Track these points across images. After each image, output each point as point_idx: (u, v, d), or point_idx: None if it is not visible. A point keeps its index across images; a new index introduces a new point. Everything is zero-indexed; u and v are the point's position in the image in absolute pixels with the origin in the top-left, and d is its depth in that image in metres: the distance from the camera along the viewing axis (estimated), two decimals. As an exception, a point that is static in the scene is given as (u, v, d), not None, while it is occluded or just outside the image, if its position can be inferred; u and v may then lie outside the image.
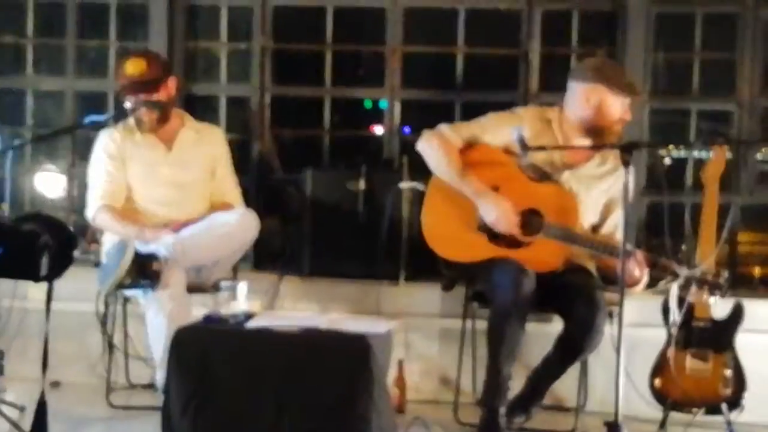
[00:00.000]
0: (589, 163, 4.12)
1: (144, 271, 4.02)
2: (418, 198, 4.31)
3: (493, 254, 4.02)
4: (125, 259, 3.95)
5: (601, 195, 4.15)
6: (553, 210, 4.00)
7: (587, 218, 4.10)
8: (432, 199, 4.20)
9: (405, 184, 4.60)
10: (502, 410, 3.97)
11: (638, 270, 3.81)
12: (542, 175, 4.10)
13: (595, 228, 4.18)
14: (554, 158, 4.11)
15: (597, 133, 4.08)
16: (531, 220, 4.02)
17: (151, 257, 4.04)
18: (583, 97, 4.07)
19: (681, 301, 4.01)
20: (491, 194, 4.02)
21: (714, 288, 3.87)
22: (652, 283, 3.86)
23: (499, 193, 4.05)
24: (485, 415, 3.99)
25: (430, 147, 4.15)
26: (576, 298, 3.91)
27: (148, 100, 4.35)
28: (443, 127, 4.18)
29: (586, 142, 4.12)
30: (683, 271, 3.79)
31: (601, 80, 4.04)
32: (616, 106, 4.05)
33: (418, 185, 4.42)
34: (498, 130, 4.15)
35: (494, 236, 4.05)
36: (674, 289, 3.83)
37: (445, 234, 4.15)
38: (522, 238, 4.02)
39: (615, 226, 4.15)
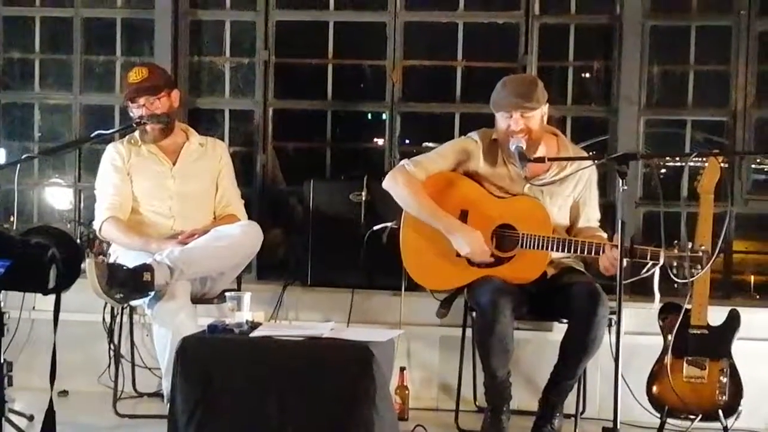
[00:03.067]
0: (547, 173, 4.17)
1: (136, 283, 4.03)
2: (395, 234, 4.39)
3: (476, 276, 4.10)
4: (88, 275, 3.92)
5: (566, 199, 4.21)
6: (525, 221, 4.07)
7: (558, 223, 4.16)
8: (407, 237, 4.28)
9: (378, 227, 4.63)
10: (506, 408, 4.04)
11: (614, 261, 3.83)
12: (505, 192, 4.18)
13: (570, 228, 4.25)
14: (512, 174, 4.18)
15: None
16: (506, 236, 4.10)
17: (141, 269, 4.04)
18: None
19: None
20: (461, 228, 4.10)
21: (695, 261, 3.76)
22: (635, 272, 3.85)
23: (469, 216, 4.14)
24: (488, 413, 4.06)
25: (396, 185, 4.23)
26: (576, 292, 3.96)
27: (161, 114, 4.42)
28: (406, 164, 4.26)
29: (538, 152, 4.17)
30: (662, 254, 3.78)
31: (491, 103, 4.16)
32: (500, 122, 4.13)
33: (393, 224, 4.47)
34: (455, 156, 4.26)
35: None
36: (657, 273, 3.78)
37: (427, 268, 4.25)
38: (502, 255, 4.10)
39: (588, 219, 4.23)
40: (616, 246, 3.84)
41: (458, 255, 4.13)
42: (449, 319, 4.43)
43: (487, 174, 4.21)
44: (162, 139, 4.54)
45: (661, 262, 3.77)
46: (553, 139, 4.27)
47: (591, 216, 4.26)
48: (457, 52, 5.37)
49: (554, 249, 4.00)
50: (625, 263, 3.74)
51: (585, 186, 4.23)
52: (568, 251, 4.00)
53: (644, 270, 3.80)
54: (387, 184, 4.28)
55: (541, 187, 4.15)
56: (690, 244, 3.79)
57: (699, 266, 3.77)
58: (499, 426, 4.04)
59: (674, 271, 3.78)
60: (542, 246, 4.00)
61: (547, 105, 4.18)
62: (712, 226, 4.15)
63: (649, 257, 3.79)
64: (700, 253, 3.77)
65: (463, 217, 4.16)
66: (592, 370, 4.42)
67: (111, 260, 4.46)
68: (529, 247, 4.02)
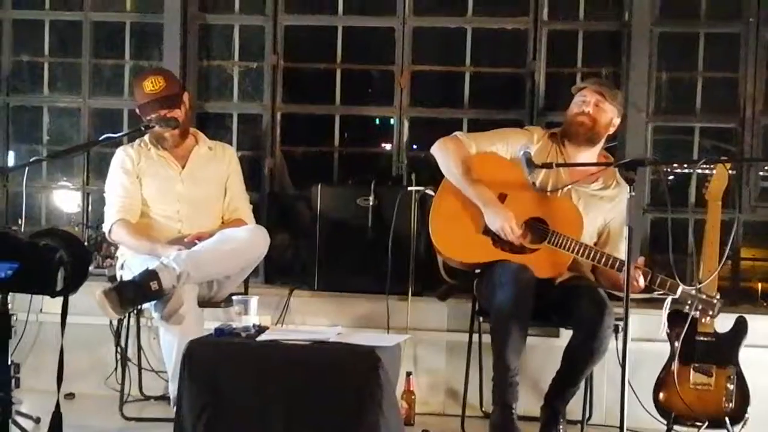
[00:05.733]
0: (592, 184, 4.19)
1: (145, 294, 4.05)
2: (427, 207, 4.40)
3: (496, 257, 4.09)
4: (101, 309, 3.95)
5: (598, 217, 4.21)
6: (558, 220, 4.07)
7: (584, 235, 4.14)
8: (440, 200, 4.29)
9: (413, 188, 4.65)
10: (515, 406, 3.99)
11: (637, 281, 3.88)
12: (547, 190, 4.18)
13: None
14: (560, 173, 4.19)
15: (576, 132, 4.20)
16: (536, 229, 4.10)
17: (147, 279, 4.04)
18: None
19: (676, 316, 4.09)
20: (497, 204, 4.11)
21: (707, 306, 3.92)
22: (647, 290, 3.94)
23: (507, 200, 4.13)
24: (498, 411, 4.00)
25: (444, 150, 4.26)
26: (582, 301, 3.95)
27: (170, 118, 4.41)
28: (459, 134, 4.31)
29: (588, 156, 4.22)
30: (680, 289, 3.86)
31: (573, 88, 4.32)
32: (573, 104, 4.25)
33: (427, 190, 4.49)
34: (510, 142, 4.27)
35: (498, 240, 4.12)
36: (668, 303, 3.89)
37: (450, 234, 4.23)
38: (527, 245, 4.09)
39: (618, 250, 4.17)
40: (639, 268, 3.87)
41: (485, 233, 4.13)
42: (457, 324, 4.43)
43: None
44: (181, 144, 4.56)
45: (677, 296, 3.87)
46: (603, 161, 4.31)
47: (620, 248, 4.16)
48: (466, 58, 5.38)
49: (579, 254, 4.01)
50: (642, 284, 3.83)
51: (619, 214, 4.19)
52: (591, 259, 4.02)
53: (656, 293, 3.91)
54: (436, 147, 4.31)
55: (579, 194, 4.18)
56: (700, 287, 3.93)
57: (711, 314, 3.94)
58: (511, 426, 3.99)
59: (686, 308, 3.95)
60: (568, 247, 4.01)
61: (619, 119, 4.30)
62: (719, 233, 4.14)
63: (667, 288, 3.88)
64: (715, 301, 3.91)
65: (501, 200, 4.15)
66: (598, 376, 4.42)
67: (119, 263, 4.49)
68: (555, 246, 4.03)
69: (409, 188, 4.72)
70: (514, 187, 4.17)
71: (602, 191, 4.23)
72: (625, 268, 3.83)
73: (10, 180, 5.54)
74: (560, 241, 4.02)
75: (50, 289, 3.18)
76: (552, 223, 4.08)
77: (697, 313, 3.98)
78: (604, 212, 4.23)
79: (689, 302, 3.91)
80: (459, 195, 4.20)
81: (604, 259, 4.00)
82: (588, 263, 4.13)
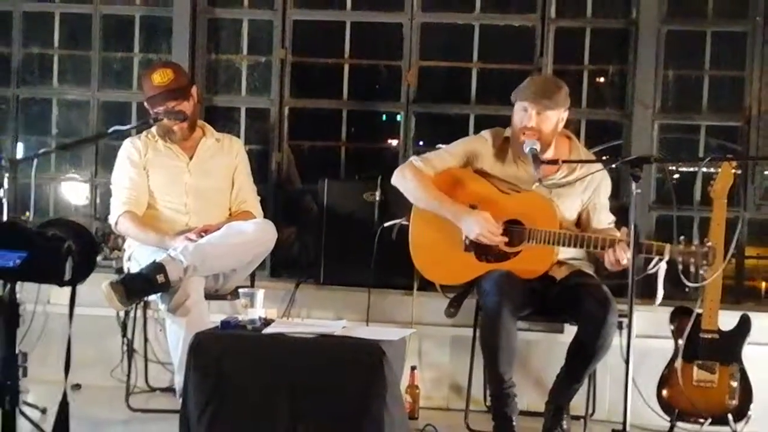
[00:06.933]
0: (556, 173, 4.17)
1: (152, 287, 4.08)
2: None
3: (483, 271, 4.09)
4: (107, 302, 4.01)
5: (575, 202, 4.20)
6: (533, 216, 4.07)
7: (562, 222, 4.13)
8: (416, 229, 4.30)
9: (389, 223, 4.65)
10: (515, 417, 4.00)
11: (623, 255, 3.84)
12: (513, 189, 4.18)
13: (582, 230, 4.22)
14: (520, 173, 4.18)
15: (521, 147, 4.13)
16: (514, 231, 4.09)
17: (153, 272, 4.07)
18: None
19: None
20: (470, 211, 4.11)
21: (701, 257, 3.74)
22: (641, 269, 3.85)
23: (478, 210, 4.12)
24: (499, 423, 4.02)
25: (404, 179, 4.26)
26: (586, 297, 3.94)
27: (178, 111, 4.43)
28: (414, 159, 4.30)
29: (546, 153, 4.16)
30: (668, 248, 3.77)
31: (513, 93, 4.18)
32: (516, 115, 4.15)
33: (403, 221, 4.48)
34: (465, 154, 4.27)
35: (482, 253, 4.13)
36: (662, 267, 3.75)
37: (434, 261, 4.27)
38: (509, 250, 4.09)
39: (599, 222, 4.21)
40: (623, 241, 3.85)
41: (466, 249, 4.14)
42: (460, 319, 4.43)
43: (496, 172, 4.22)
44: (189, 137, 4.58)
45: (667, 257, 3.75)
46: (566, 142, 4.29)
47: (602, 219, 4.24)
48: (473, 54, 5.38)
49: (561, 244, 4.00)
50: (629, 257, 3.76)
51: (594, 192, 4.22)
52: (575, 246, 4.00)
53: (650, 266, 3.79)
54: (395, 178, 4.31)
55: (549, 187, 4.15)
56: (697, 241, 3.80)
57: (706, 262, 3.75)
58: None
59: (681, 267, 3.76)
60: (549, 241, 4.00)
61: (567, 112, 4.21)
62: (724, 231, 4.15)
63: (654, 251, 3.78)
64: (706, 249, 3.75)
65: None
66: (602, 372, 4.43)
67: (126, 255, 4.51)
68: (537, 242, 4.02)
69: (385, 224, 4.69)
70: (481, 197, 4.18)
71: (570, 176, 4.18)
72: (610, 245, 3.89)
73: (19, 171, 5.53)
74: (540, 236, 4.02)
75: (58, 278, 3.19)
76: (527, 221, 4.07)
77: (695, 268, 3.75)
78: (578, 194, 4.21)
79: (682, 259, 3.76)
80: (432, 220, 4.21)
81: (586, 242, 3.98)
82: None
